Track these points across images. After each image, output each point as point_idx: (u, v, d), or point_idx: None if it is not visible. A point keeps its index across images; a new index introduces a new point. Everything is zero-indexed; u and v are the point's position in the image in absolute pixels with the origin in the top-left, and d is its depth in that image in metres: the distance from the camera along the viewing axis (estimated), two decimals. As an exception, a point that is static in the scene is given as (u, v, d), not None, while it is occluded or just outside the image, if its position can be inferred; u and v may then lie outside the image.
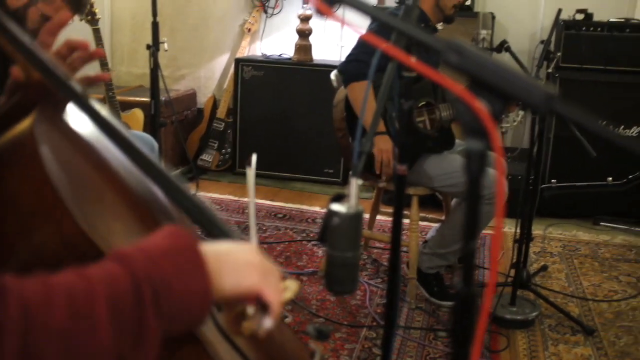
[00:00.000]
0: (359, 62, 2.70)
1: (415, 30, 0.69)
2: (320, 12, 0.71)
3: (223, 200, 4.17)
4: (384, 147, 2.71)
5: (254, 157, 0.98)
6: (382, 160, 2.73)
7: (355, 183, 1.13)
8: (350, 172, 1.20)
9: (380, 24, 0.73)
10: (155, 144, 2.50)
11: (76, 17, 3.32)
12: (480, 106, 0.63)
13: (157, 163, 0.97)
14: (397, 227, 1.40)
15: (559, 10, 3.05)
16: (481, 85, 0.65)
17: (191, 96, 4.98)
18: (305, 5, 4.60)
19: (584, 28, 4.05)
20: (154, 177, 0.97)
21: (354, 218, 1.07)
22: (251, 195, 1.01)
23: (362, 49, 2.74)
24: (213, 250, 0.82)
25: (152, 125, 3.10)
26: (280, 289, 0.88)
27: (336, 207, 1.07)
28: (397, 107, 1.35)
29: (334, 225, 1.07)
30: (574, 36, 4.05)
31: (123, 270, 0.70)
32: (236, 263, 0.83)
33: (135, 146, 0.96)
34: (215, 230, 1.00)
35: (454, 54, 0.65)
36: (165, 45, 3.12)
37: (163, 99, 3.59)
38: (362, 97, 2.65)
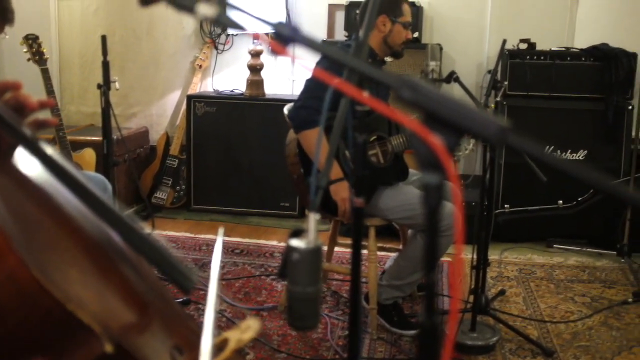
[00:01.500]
0: (308, 108, 2.69)
1: (368, 68, 0.70)
2: (275, 52, 0.71)
3: (179, 238, 4.11)
4: (345, 195, 2.70)
5: (221, 231, 0.97)
6: (346, 209, 2.72)
7: (313, 218, 1.13)
8: (306, 209, 1.20)
9: (332, 61, 0.74)
10: (108, 185, 2.46)
11: (26, 52, 3.28)
12: (435, 140, 0.64)
13: (110, 205, 0.96)
14: (356, 259, 1.40)
15: (504, 41, 3.14)
16: (436, 120, 0.66)
17: (143, 134, 4.93)
18: (255, 41, 4.63)
19: (528, 57, 4.18)
20: (108, 220, 0.95)
21: (314, 253, 1.07)
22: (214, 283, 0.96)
23: (310, 94, 2.73)
24: None
25: (105, 165, 3.06)
26: None
27: (295, 242, 1.07)
28: (352, 141, 1.36)
29: (293, 261, 1.07)
30: (519, 65, 4.18)
31: None
32: None
33: (88, 189, 0.94)
34: (172, 271, 0.99)
35: (408, 89, 0.66)
36: (117, 85, 3.09)
37: (115, 137, 3.55)
38: (315, 144, 2.64)
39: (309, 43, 0.72)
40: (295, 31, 0.71)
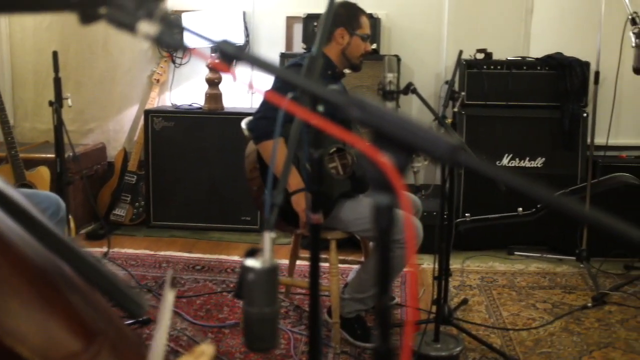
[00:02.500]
0: (267, 119, 2.68)
1: (317, 87, 0.68)
2: (219, 71, 0.69)
3: (138, 256, 4.03)
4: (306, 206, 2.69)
5: (169, 274, 0.94)
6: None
7: (268, 237, 1.11)
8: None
9: (283, 80, 0.72)
10: (62, 204, 2.39)
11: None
12: (385, 160, 0.62)
13: (56, 232, 0.92)
14: (314, 277, 1.38)
15: (460, 52, 3.17)
16: (385, 139, 0.64)
17: (101, 150, 4.84)
18: (213, 55, 4.59)
19: (484, 67, 4.22)
20: (53, 248, 0.91)
21: (269, 273, 1.05)
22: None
23: (269, 105, 2.72)
24: None
25: (58, 183, 2.98)
26: None
27: (250, 262, 1.05)
28: (307, 156, 1.35)
29: (249, 282, 1.05)
30: (476, 75, 4.22)
31: None
32: None
33: (32, 215, 0.90)
34: (122, 298, 0.95)
35: (356, 108, 0.64)
36: (69, 101, 3.03)
37: (70, 154, 3.48)
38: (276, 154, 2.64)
39: (255, 61, 0.70)
40: (240, 49, 0.69)
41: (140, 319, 2.80)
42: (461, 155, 0.62)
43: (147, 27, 0.72)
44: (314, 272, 1.43)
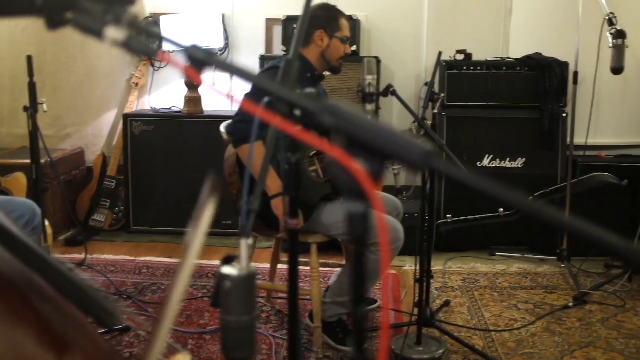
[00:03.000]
0: (247, 122, 2.66)
1: (289, 93, 0.67)
2: (189, 78, 0.67)
3: (118, 262, 3.99)
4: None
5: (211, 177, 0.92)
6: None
7: (245, 244, 1.10)
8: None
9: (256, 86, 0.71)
10: (38, 211, 2.35)
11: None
12: (358, 167, 0.61)
13: (26, 240, 0.90)
14: (293, 283, 1.37)
15: (440, 53, 3.17)
16: (358, 145, 0.63)
17: (79, 155, 4.79)
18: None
19: (464, 68, 4.23)
20: (22, 257, 0.89)
21: (246, 280, 1.03)
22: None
23: None
24: None
25: (34, 190, 2.94)
26: None
27: (227, 270, 1.03)
28: (285, 161, 1.33)
29: (226, 290, 1.03)
30: (456, 76, 4.23)
31: None
32: None
33: (1, 224, 0.88)
34: (95, 308, 0.93)
35: (329, 115, 0.63)
36: (45, 107, 2.98)
37: (49, 160, 3.43)
38: (255, 158, 2.62)
39: (225, 67, 0.69)
40: (210, 54, 0.67)
41: (117, 327, 2.77)
42: (435, 161, 0.61)
43: (114, 33, 0.70)
44: (293, 278, 1.42)
